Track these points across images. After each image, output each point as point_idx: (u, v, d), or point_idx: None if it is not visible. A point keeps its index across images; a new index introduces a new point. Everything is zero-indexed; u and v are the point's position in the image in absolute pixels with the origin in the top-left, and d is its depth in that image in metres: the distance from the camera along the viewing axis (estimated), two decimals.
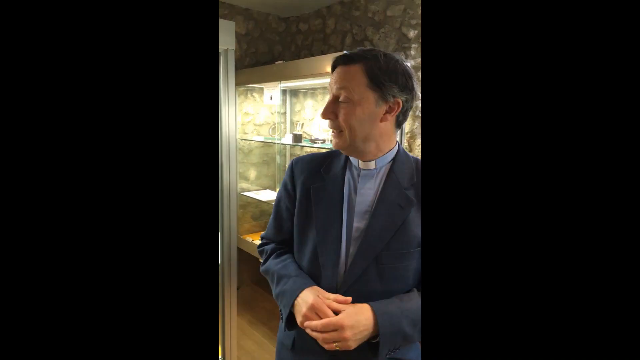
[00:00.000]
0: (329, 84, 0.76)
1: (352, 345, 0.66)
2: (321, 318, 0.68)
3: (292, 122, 2.66)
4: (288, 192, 0.87)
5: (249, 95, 2.56)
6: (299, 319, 0.72)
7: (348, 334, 0.65)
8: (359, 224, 0.76)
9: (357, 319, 0.66)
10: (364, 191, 0.78)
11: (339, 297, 0.71)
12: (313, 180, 0.83)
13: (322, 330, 0.66)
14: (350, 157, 0.82)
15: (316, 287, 0.75)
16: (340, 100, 0.73)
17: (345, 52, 0.76)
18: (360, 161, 0.79)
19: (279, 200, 0.90)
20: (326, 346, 0.67)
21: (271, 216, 0.91)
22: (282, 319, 0.81)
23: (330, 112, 0.75)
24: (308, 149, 2.53)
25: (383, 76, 0.71)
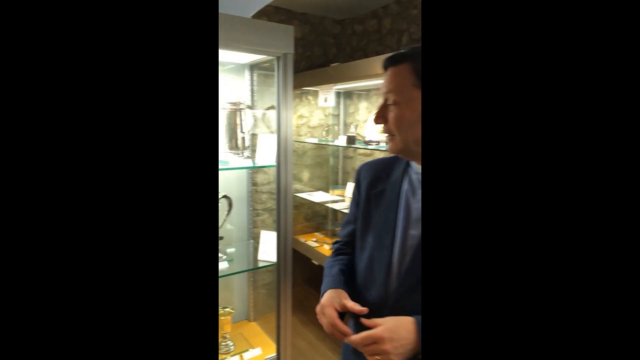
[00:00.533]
0: (380, 87, 0.75)
1: (395, 358, 0.64)
2: (326, 319, 0.71)
3: (345, 124, 2.66)
4: (354, 196, 0.88)
5: (303, 98, 2.60)
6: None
7: (387, 346, 0.63)
8: (415, 231, 0.74)
9: (396, 331, 0.64)
10: (421, 197, 0.76)
11: (356, 305, 0.72)
12: (375, 185, 0.83)
13: (361, 343, 0.65)
14: (411, 162, 0.79)
15: (339, 290, 0.77)
16: (389, 103, 0.71)
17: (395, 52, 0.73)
18: (417, 165, 0.76)
19: (350, 202, 0.92)
20: (369, 358, 0.66)
21: (342, 226, 0.93)
22: None
23: (380, 117, 0.73)
24: (361, 151, 2.52)
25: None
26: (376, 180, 0.83)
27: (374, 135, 2.19)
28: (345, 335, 0.70)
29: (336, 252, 0.91)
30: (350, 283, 0.82)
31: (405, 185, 0.78)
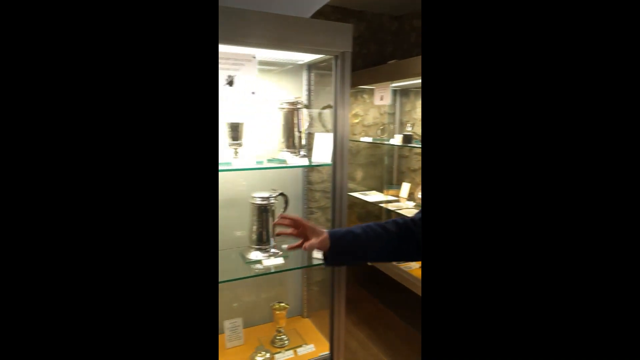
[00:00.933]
0: None
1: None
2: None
3: (401, 122, 2.59)
4: None
5: (358, 96, 2.58)
6: None
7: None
8: None
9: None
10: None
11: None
12: None
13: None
14: None
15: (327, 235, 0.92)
16: None
17: None
18: None
19: None
20: None
21: None
22: None
23: None
24: (417, 150, 2.44)
25: None
26: None
27: None
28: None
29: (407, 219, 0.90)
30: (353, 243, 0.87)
31: None
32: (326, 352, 1.58)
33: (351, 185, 2.67)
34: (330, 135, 1.43)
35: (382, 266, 2.14)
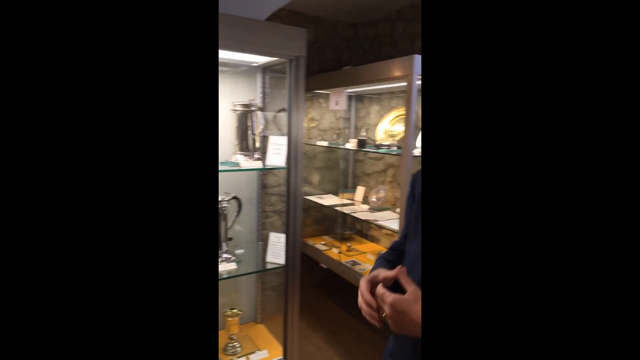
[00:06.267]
0: None
1: (392, 327, 0.61)
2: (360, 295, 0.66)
3: (356, 127, 2.65)
4: (408, 203, 0.86)
5: (314, 101, 2.61)
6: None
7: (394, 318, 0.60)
8: None
9: (415, 307, 0.59)
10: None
11: (389, 272, 0.66)
12: None
13: (379, 298, 0.62)
14: None
15: (380, 269, 0.72)
16: None
17: None
18: None
19: (405, 209, 0.90)
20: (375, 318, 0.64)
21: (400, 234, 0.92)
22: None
23: None
24: (372, 155, 2.50)
25: None
26: None
27: (385, 139, 2.17)
28: (368, 304, 0.65)
29: (383, 254, 0.89)
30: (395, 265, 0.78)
31: None
32: (280, 356, 1.57)
33: (307, 188, 2.68)
34: (285, 138, 1.42)
35: (337, 269, 2.16)
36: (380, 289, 0.62)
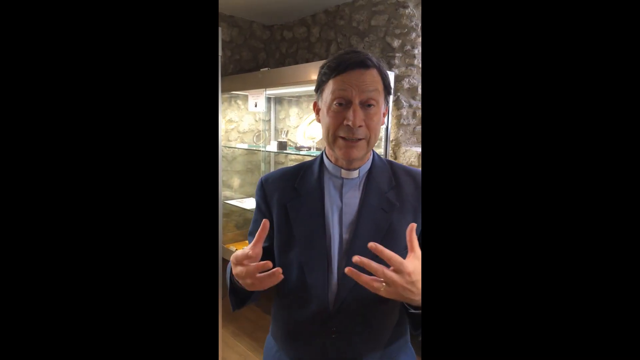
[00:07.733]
0: (346, 87, 0.68)
1: (405, 294, 0.56)
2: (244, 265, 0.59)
3: (276, 130, 2.64)
4: (263, 213, 0.80)
5: (232, 102, 2.53)
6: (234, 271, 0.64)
7: (402, 280, 0.55)
8: (346, 235, 0.73)
9: (417, 273, 0.57)
10: (350, 201, 0.74)
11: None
12: (288, 197, 0.77)
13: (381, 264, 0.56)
14: (328, 167, 0.77)
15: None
16: (369, 104, 0.69)
17: (352, 51, 0.71)
18: (343, 170, 0.75)
19: (254, 222, 0.83)
20: (374, 284, 0.56)
21: (249, 240, 0.80)
22: (231, 304, 0.76)
23: (362, 119, 0.69)
24: (293, 157, 2.52)
25: (387, 79, 0.71)
26: (288, 192, 0.78)
27: (305, 141, 2.20)
28: (249, 258, 0.59)
29: None
30: None
31: (329, 192, 0.76)
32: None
33: (228, 192, 2.59)
34: None
35: None
36: (395, 258, 0.56)
